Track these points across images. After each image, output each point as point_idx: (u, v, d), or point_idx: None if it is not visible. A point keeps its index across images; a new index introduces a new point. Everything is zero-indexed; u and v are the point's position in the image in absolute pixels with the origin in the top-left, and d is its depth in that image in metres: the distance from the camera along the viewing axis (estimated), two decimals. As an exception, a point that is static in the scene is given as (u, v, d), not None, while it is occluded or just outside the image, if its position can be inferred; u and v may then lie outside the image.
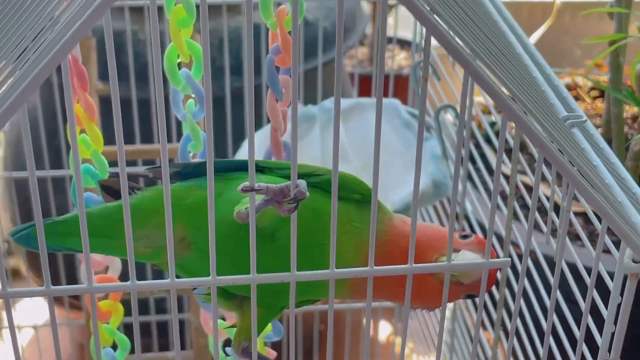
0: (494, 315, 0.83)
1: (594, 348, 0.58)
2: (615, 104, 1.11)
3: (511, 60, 0.57)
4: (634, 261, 0.52)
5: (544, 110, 0.52)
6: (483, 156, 1.10)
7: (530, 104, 0.49)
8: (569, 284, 0.65)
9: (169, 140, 1.05)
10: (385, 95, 1.21)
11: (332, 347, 0.54)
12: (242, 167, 0.58)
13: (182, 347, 1.14)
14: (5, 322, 1.21)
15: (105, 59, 0.45)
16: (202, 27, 0.44)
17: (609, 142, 1.10)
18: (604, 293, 0.56)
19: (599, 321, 0.56)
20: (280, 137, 0.65)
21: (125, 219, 0.48)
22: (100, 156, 0.65)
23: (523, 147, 1.07)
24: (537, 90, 0.59)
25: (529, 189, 1.10)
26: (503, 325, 0.90)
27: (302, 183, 0.50)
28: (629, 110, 1.27)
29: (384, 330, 1.41)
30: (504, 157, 0.81)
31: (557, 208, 0.63)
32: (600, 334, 0.55)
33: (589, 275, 0.54)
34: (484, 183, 1.10)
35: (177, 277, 0.59)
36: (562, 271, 0.55)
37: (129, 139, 1.07)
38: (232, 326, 0.61)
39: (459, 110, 0.48)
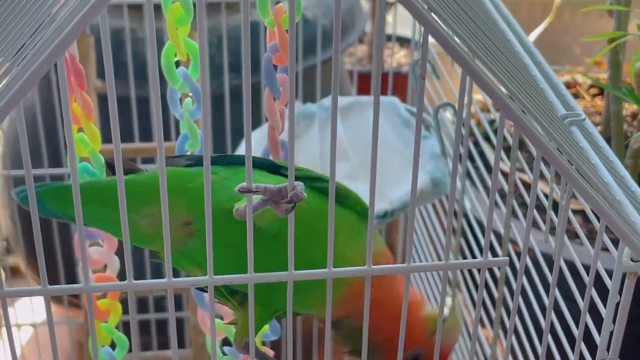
0: (493, 314, 0.83)
1: (592, 347, 0.58)
2: (614, 101, 1.11)
3: (510, 59, 0.57)
4: (632, 260, 0.52)
5: (542, 108, 0.52)
6: (482, 154, 1.10)
7: (528, 103, 0.48)
8: (567, 282, 0.65)
9: (168, 138, 1.05)
10: (384, 93, 1.21)
11: (330, 346, 0.54)
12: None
13: (181, 346, 1.14)
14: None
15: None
16: (199, 25, 0.43)
17: (608, 140, 1.10)
18: (603, 291, 0.56)
19: (598, 320, 0.56)
20: (278, 135, 0.65)
21: (123, 220, 0.48)
22: (97, 155, 0.65)
23: (522, 145, 1.07)
24: (535, 88, 0.58)
25: (528, 187, 1.10)
26: (502, 323, 0.90)
27: (300, 185, 0.50)
28: (629, 107, 1.26)
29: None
30: (503, 155, 0.81)
31: (555, 206, 0.63)
32: (599, 333, 0.55)
33: (588, 273, 0.54)
34: (482, 181, 1.10)
35: (179, 269, 0.59)
36: (560, 269, 0.55)
37: (127, 137, 1.06)
38: (230, 323, 0.61)
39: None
